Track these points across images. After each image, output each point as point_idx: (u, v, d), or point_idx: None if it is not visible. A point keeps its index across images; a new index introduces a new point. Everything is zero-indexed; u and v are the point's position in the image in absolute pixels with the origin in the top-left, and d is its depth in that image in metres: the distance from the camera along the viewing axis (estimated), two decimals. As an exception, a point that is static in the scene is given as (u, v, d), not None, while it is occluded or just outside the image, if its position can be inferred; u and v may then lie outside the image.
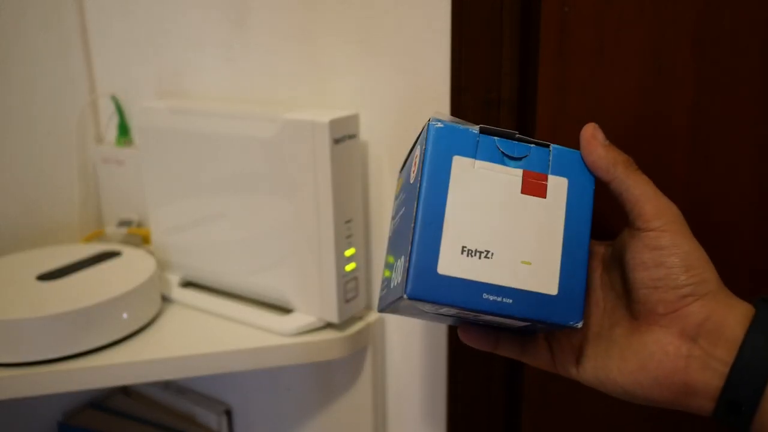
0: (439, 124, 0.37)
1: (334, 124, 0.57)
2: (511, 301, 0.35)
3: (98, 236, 0.85)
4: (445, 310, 0.37)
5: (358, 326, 0.65)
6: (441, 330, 0.65)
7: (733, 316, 0.35)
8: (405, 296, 0.35)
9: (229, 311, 0.67)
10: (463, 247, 0.35)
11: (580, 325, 0.36)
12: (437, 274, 0.35)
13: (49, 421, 0.88)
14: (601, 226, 0.43)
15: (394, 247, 0.41)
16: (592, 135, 0.38)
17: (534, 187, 0.37)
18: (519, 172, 0.37)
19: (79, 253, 0.71)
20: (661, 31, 0.47)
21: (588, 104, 0.51)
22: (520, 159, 0.37)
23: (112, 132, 0.86)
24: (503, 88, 0.55)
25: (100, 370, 0.59)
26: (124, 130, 0.83)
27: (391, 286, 0.39)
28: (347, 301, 0.62)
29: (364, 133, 0.64)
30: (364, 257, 0.65)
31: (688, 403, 0.36)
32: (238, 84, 0.72)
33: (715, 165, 0.48)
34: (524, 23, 0.53)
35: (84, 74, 0.84)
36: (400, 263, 0.37)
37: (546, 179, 0.37)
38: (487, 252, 0.36)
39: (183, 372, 0.61)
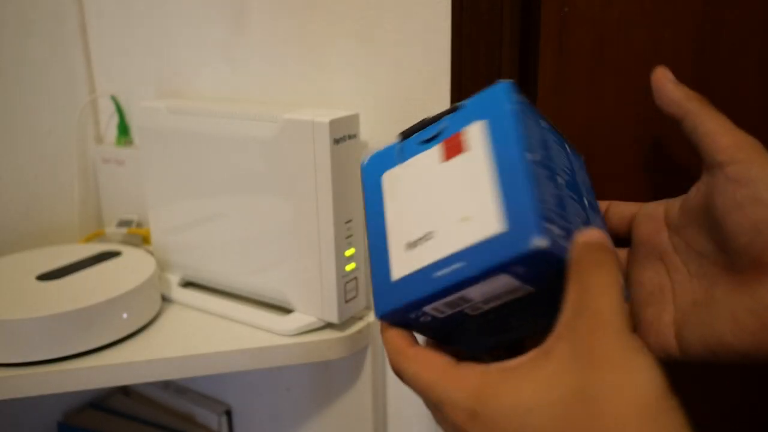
0: (365, 160, 0.41)
1: (334, 124, 0.57)
2: (463, 263, 0.33)
3: (98, 236, 0.85)
4: (435, 310, 0.36)
5: (358, 326, 0.65)
6: (441, 330, 0.65)
7: None
8: (378, 318, 0.37)
9: (229, 311, 0.67)
10: (407, 243, 0.36)
11: (544, 242, 0.31)
12: (392, 283, 0.36)
13: (49, 421, 0.88)
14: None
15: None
16: (662, 73, 0.39)
17: (452, 149, 0.37)
18: (437, 146, 0.38)
19: (79, 253, 0.71)
20: (661, 31, 0.47)
21: (588, 104, 0.51)
22: (437, 136, 0.39)
23: (112, 132, 0.86)
24: (503, 88, 0.55)
25: (100, 370, 0.59)
26: (124, 130, 0.83)
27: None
28: (347, 301, 0.62)
29: (364, 133, 0.64)
30: (364, 257, 0.65)
31: None
32: (238, 84, 0.72)
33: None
34: (524, 23, 0.53)
35: (84, 74, 0.84)
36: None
37: (460, 135, 0.37)
38: (428, 233, 0.36)
39: (183, 372, 0.61)
